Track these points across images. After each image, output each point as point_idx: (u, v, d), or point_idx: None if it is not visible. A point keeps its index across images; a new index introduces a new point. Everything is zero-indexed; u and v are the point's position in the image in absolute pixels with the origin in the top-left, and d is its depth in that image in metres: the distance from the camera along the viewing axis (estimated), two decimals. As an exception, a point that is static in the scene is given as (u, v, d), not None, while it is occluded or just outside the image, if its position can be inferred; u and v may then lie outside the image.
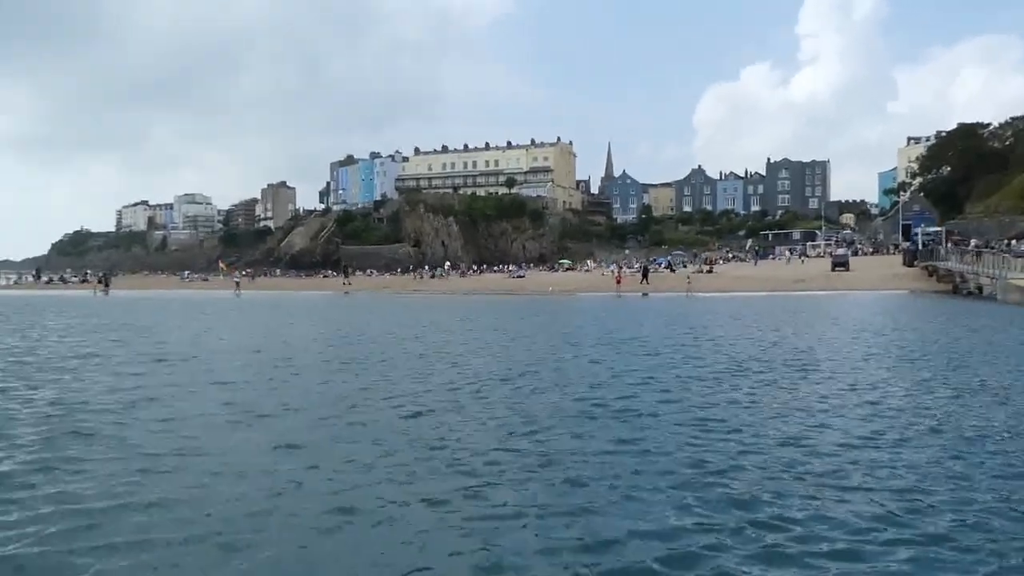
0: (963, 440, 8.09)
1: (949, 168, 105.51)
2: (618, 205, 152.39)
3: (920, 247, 57.96)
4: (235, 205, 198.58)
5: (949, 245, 57.23)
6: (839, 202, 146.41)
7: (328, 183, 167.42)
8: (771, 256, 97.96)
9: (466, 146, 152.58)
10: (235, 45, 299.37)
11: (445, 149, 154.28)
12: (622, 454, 7.61)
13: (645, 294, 52.42)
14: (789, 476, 6.83)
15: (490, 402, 10.67)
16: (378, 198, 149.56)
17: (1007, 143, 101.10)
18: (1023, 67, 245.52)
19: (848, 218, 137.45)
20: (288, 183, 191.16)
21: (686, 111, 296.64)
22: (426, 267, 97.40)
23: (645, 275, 58.93)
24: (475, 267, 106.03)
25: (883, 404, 10.18)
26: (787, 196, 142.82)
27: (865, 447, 7.83)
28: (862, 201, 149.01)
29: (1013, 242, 66.38)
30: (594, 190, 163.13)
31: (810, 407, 10.00)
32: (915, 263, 56.74)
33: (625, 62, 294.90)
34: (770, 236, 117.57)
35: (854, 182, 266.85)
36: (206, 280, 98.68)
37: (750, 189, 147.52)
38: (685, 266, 75.85)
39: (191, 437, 8.47)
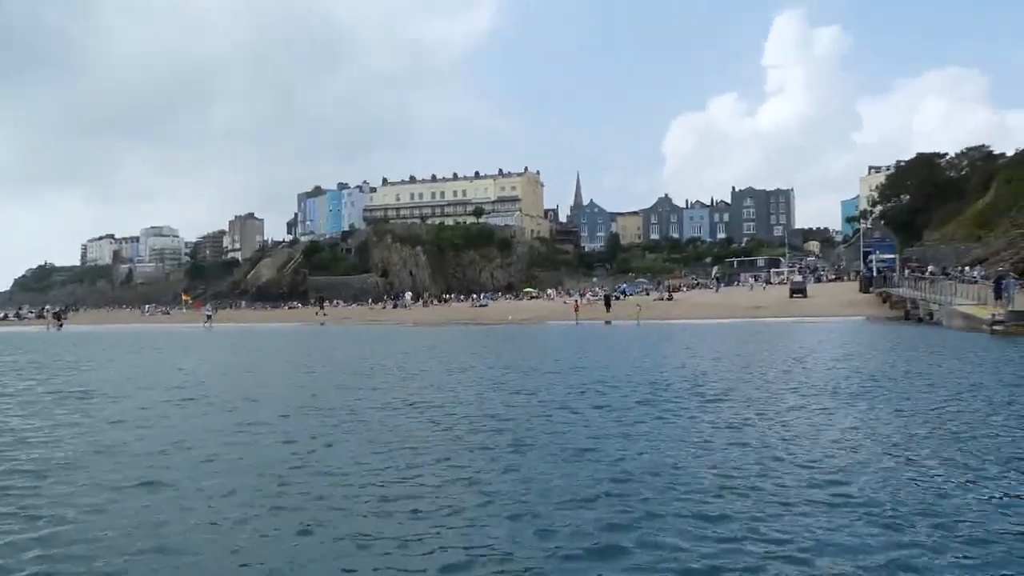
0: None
1: (908, 196, 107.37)
2: (586, 233, 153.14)
3: (875, 274, 58.44)
4: (202, 237, 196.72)
5: (905, 272, 57.91)
6: (803, 230, 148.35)
7: (296, 214, 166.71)
8: (736, 283, 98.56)
9: (434, 176, 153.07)
10: (206, 76, 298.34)
11: (413, 179, 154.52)
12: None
13: (608, 322, 52.31)
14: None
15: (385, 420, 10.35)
16: (346, 228, 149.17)
17: (963, 172, 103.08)
18: (984, 99, 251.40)
19: (813, 245, 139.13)
20: (257, 214, 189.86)
21: (655, 141, 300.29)
22: (384, 298, 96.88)
23: (608, 303, 58.86)
24: (439, 297, 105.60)
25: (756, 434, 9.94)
26: (752, 224, 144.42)
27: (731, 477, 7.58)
28: (826, 229, 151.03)
29: (967, 268, 67.37)
30: (563, 219, 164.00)
31: (685, 437, 9.80)
32: (870, 290, 57.18)
33: (595, 93, 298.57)
34: (735, 263, 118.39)
35: (821, 210, 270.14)
36: (167, 313, 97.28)
37: (716, 217, 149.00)
38: (648, 294, 75.96)
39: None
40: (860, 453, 8.93)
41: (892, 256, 60.22)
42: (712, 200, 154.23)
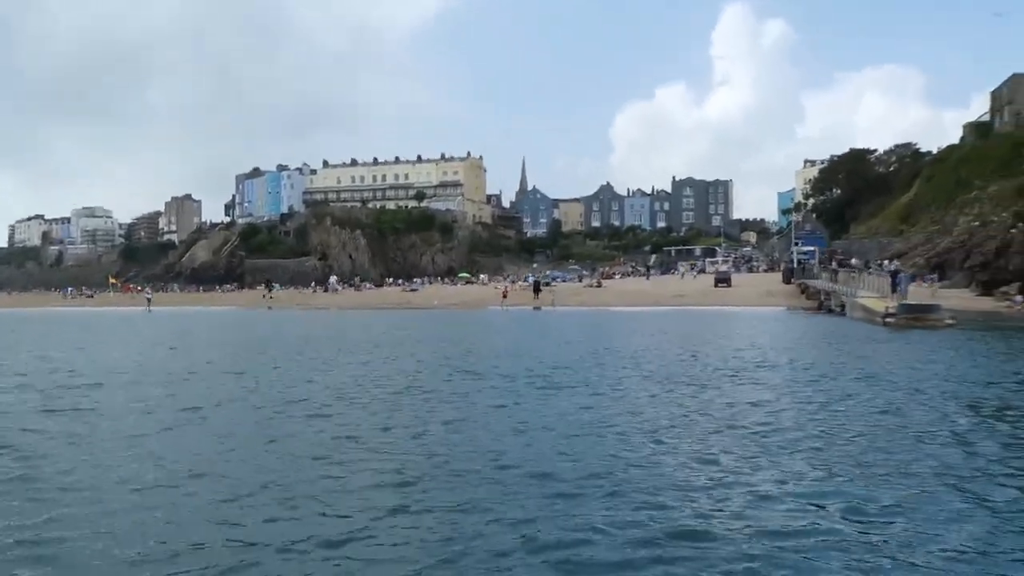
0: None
1: (839, 190, 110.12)
2: (528, 219, 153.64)
3: (795, 265, 59.82)
4: (137, 219, 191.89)
5: (832, 263, 59.37)
6: (741, 220, 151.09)
7: (234, 196, 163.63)
8: (672, 271, 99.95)
9: (375, 159, 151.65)
10: (143, 52, 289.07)
11: (354, 162, 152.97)
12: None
13: (537, 308, 52.73)
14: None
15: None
16: (285, 211, 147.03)
17: (891, 169, 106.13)
18: (920, 97, 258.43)
19: (750, 236, 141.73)
20: (195, 196, 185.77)
21: (603, 128, 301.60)
22: (312, 283, 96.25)
23: (537, 290, 59.26)
24: (376, 281, 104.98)
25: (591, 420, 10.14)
26: (692, 213, 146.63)
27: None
28: (763, 220, 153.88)
29: (885, 262, 69.40)
30: (508, 205, 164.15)
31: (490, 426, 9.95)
32: (792, 281, 58.48)
33: (544, 79, 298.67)
34: (673, 252, 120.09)
35: (762, 201, 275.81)
36: (91, 296, 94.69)
37: (657, 206, 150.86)
38: (580, 280, 76.72)
39: None
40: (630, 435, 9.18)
41: (812, 248, 61.66)
42: (653, 189, 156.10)
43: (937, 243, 65.82)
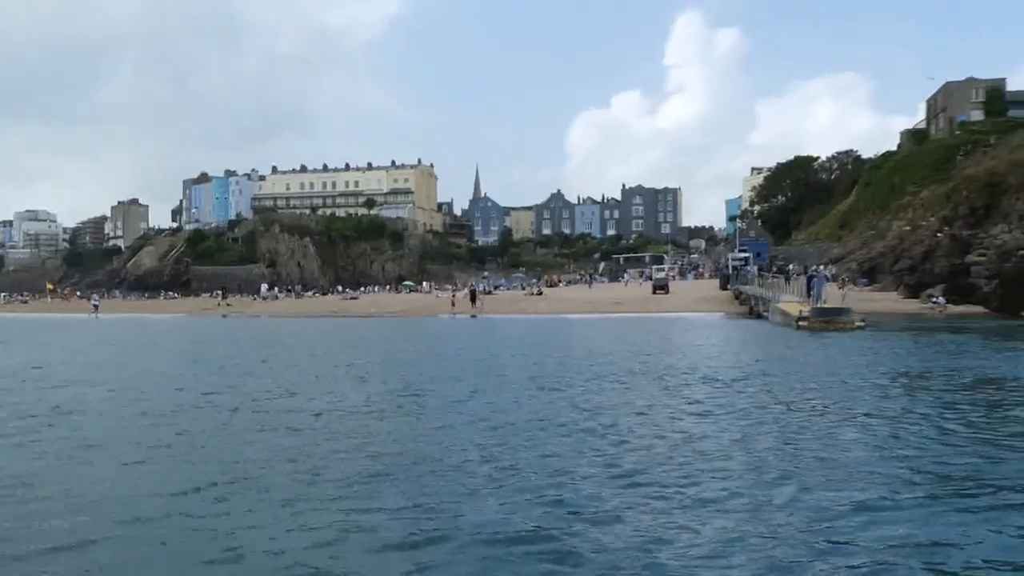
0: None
1: (784, 197, 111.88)
2: (480, 227, 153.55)
3: (730, 272, 60.47)
4: (82, 223, 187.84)
5: (760, 270, 60.18)
6: (689, 227, 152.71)
7: (181, 201, 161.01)
8: (620, 279, 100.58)
9: (325, 166, 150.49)
10: (93, 52, 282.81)
11: (304, 169, 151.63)
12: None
13: (474, 315, 52.54)
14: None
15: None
16: (233, 217, 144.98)
17: (833, 175, 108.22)
18: (869, 104, 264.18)
19: (699, 243, 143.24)
20: (142, 200, 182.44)
21: (559, 136, 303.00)
22: (227, 292, 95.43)
23: (473, 298, 59.02)
24: (317, 290, 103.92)
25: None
26: (641, 221, 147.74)
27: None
28: (711, 227, 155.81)
29: (822, 267, 70.61)
30: (461, 213, 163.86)
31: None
32: (728, 287, 59.07)
33: (499, 86, 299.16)
34: (622, 260, 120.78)
35: (713, 208, 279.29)
36: (24, 303, 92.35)
37: (606, 214, 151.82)
38: (523, 288, 76.77)
39: None
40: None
41: (746, 255, 62.43)
42: (603, 197, 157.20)
43: (872, 248, 67.22)
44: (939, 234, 54.45)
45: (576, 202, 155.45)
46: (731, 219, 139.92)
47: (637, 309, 52.03)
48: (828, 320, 28.42)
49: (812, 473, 7.47)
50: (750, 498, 6.66)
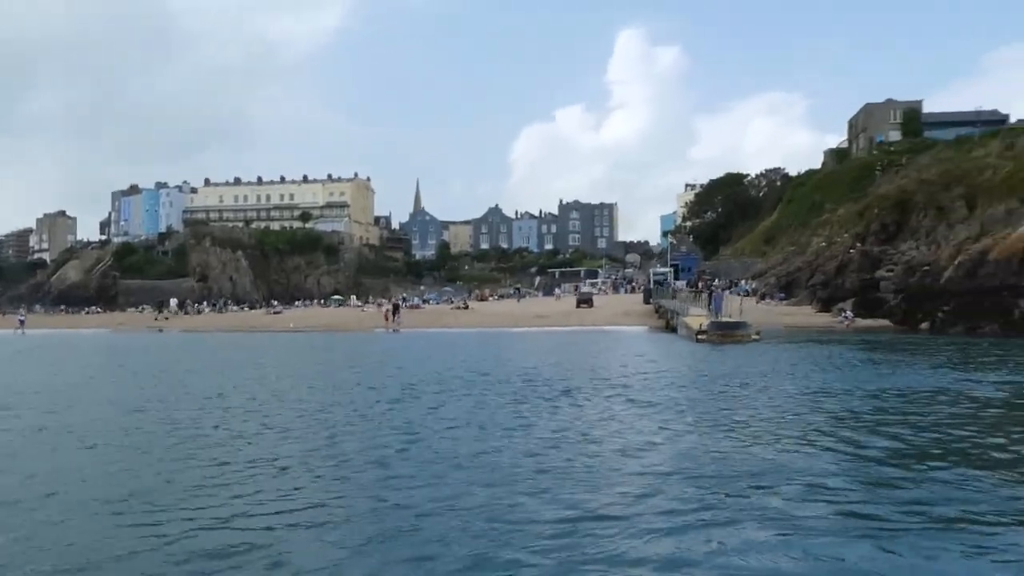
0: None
1: (715, 213, 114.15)
2: (417, 241, 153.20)
3: (652, 286, 61.35)
4: (6, 236, 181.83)
5: (699, 284, 61.21)
6: (625, 242, 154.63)
7: (110, 214, 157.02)
8: (554, 293, 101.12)
9: (260, 179, 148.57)
10: (19, 59, 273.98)
11: (238, 181, 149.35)
12: None
13: (395, 330, 52.21)
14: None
15: None
16: (163, 230, 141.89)
17: (762, 193, 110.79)
18: (804, 122, 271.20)
19: (634, 257, 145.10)
20: (71, 213, 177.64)
21: (503, 150, 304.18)
22: (145, 306, 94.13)
23: (395, 312, 58.65)
24: (249, 304, 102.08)
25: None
26: (578, 236, 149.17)
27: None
28: (646, 241, 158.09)
29: (743, 281, 72.16)
30: (399, 226, 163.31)
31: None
32: (651, 301, 59.85)
33: (444, 101, 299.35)
34: (557, 274, 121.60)
35: (654, 223, 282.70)
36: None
37: (544, 228, 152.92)
38: (451, 302, 76.73)
39: None
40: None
41: (666, 270, 63.47)
42: (541, 212, 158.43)
43: (791, 263, 68.92)
44: (852, 250, 56.23)
45: (514, 217, 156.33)
46: (665, 234, 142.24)
47: (558, 323, 52.30)
48: (725, 333, 28.97)
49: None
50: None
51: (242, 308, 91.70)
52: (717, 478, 7.49)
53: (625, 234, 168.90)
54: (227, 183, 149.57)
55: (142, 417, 12.42)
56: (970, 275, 37.41)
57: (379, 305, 69.19)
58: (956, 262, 40.25)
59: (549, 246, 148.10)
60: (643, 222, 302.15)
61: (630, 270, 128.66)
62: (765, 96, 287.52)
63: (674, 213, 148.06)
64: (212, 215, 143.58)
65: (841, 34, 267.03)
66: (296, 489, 7.35)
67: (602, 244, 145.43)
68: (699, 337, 29.37)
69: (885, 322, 44.47)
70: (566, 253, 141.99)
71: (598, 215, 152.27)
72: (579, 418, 11.59)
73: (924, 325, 39.56)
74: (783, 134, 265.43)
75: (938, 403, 12.66)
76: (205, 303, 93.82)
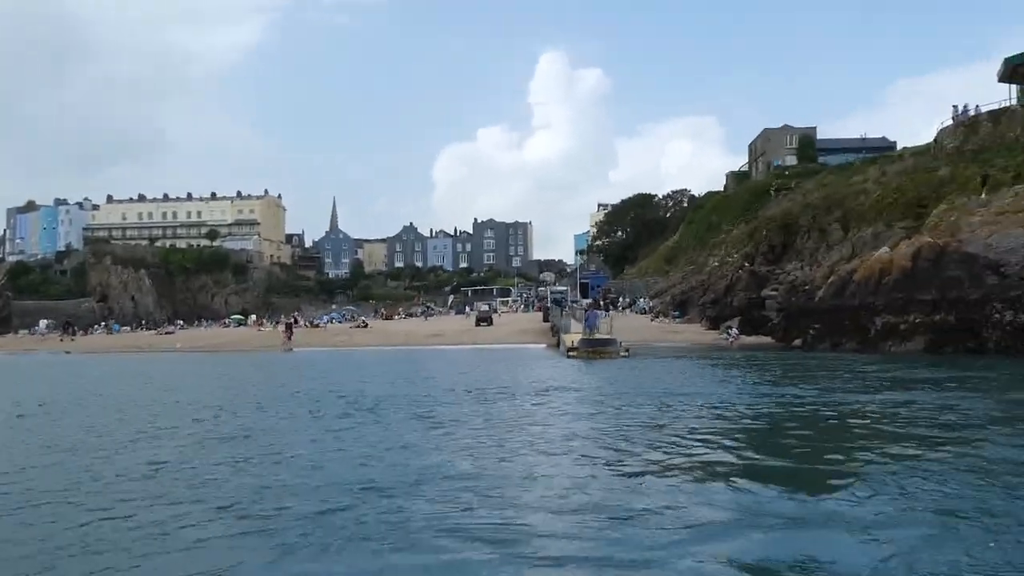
0: None
1: (624, 233, 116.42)
2: (330, 260, 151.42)
3: (550, 304, 62.11)
4: None
5: (602, 302, 62.25)
6: (539, 261, 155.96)
7: (4, 231, 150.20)
8: (466, 311, 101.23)
9: (166, 195, 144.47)
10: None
11: (143, 198, 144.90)
12: None
13: (289, 349, 51.43)
14: None
15: None
16: (62, 249, 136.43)
17: (668, 213, 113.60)
18: (720, 145, 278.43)
19: (548, 276, 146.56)
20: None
21: (424, 169, 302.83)
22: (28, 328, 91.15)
23: (289, 330, 57.87)
24: (152, 325, 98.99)
25: None
26: (492, 254, 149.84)
27: None
28: (562, 260, 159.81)
29: (641, 300, 73.76)
30: (312, 245, 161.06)
31: None
32: (549, 319, 60.53)
33: (362, 119, 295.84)
34: (471, 292, 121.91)
35: (569, 242, 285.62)
36: None
37: (459, 247, 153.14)
38: (353, 319, 76.18)
39: None
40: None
41: (563, 288, 64.43)
42: (456, 230, 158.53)
43: (688, 282, 70.81)
44: (741, 270, 58.17)
45: (429, 235, 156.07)
46: (579, 253, 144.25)
47: (452, 341, 52.34)
48: (595, 350, 29.57)
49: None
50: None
51: (133, 328, 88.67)
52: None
53: (545, 252, 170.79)
54: (131, 200, 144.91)
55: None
56: (838, 294, 39.11)
57: (276, 324, 67.95)
58: (828, 281, 42.16)
59: (464, 264, 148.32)
60: (563, 241, 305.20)
61: (543, 288, 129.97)
62: (682, 120, 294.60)
63: (587, 232, 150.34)
64: (115, 233, 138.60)
65: (754, 60, 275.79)
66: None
67: (516, 263, 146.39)
68: (570, 353, 29.90)
69: (768, 339, 45.94)
70: (481, 272, 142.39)
71: (512, 234, 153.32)
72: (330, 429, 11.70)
73: (797, 342, 41.05)
74: (699, 157, 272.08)
75: (727, 414, 13.22)
76: (101, 324, 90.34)
